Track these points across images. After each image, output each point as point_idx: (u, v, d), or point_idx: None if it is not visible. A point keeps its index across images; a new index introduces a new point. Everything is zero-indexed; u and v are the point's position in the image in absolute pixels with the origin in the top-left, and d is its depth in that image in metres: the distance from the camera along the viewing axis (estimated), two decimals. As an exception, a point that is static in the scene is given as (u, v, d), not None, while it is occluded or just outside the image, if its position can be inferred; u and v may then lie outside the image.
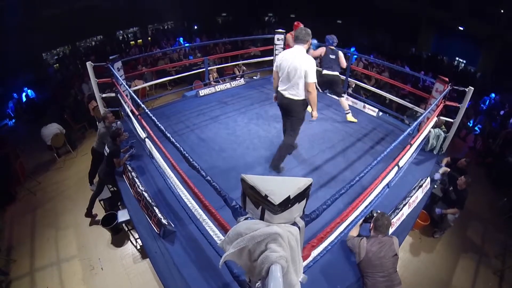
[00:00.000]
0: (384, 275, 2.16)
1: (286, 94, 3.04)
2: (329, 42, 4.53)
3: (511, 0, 8.83)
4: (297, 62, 2.84)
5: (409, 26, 12.14)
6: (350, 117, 4.82)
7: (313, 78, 2.88)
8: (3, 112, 7.64)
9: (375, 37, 13.34)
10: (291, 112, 3.14)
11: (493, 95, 8.07)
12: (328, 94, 5.47)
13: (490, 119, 6.90)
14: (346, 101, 4.86)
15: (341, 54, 4.55)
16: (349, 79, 5.68)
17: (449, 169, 3.79)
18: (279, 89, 3.11)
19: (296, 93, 2.99)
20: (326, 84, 4.73)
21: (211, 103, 5.40)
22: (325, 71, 4.57)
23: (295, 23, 4.53)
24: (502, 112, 7.22)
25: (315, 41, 4.81)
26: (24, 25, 9.25)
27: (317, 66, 3.74)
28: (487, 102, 7.97)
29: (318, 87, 4.47)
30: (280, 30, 6.11)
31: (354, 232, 2.55)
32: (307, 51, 3.04)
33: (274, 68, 3.17)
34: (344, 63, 4.60)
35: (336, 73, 4.59)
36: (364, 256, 2.22)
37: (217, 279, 2.30)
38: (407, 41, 12.53)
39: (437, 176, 3.69)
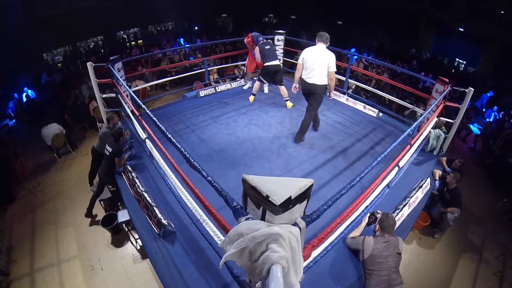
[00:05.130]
0: (387, 274, 2.16)
1: (311, 80, 3.77)
2: (258, 39, 4.98)
3: (511, 0, 8.84)
4: (324, 56, 3.66)
5: (409, 27, 12.16)
6: (289, 104, 5.20)
7: (334, 68, 3.71)
8: (3, 112, 7.62)
9: (375, 38, 13.35)
10: (314, 94, 3.86)
11: (491, 93, 7.99)
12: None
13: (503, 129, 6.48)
14: (285, 89, 5.12)
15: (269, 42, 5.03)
16: (349, 80, 5.68)
17: (441, 172, 3.80)
18: (305, 77, 3.82)
19: (319, 80, 3.75)
20: (269, 74, 4.97)
21: (212, 104, 5.41)
22: (267, 63, 4.81)
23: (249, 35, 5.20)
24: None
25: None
26: (24, 25, 9.25)
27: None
28: (492, 115, 7.37)
29: (262, 79, 5.00)
30: (280, 31, 6.11)
31: (355, 233, 2.55)
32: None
33: (300, 61, 3.84)
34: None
35: (277, 62, 4.91)
36: (369, 253, 2.22)
37: (217, 279, 2.30)
38: (406, 41, 12.54)
39: (437, 185, 3.70)
